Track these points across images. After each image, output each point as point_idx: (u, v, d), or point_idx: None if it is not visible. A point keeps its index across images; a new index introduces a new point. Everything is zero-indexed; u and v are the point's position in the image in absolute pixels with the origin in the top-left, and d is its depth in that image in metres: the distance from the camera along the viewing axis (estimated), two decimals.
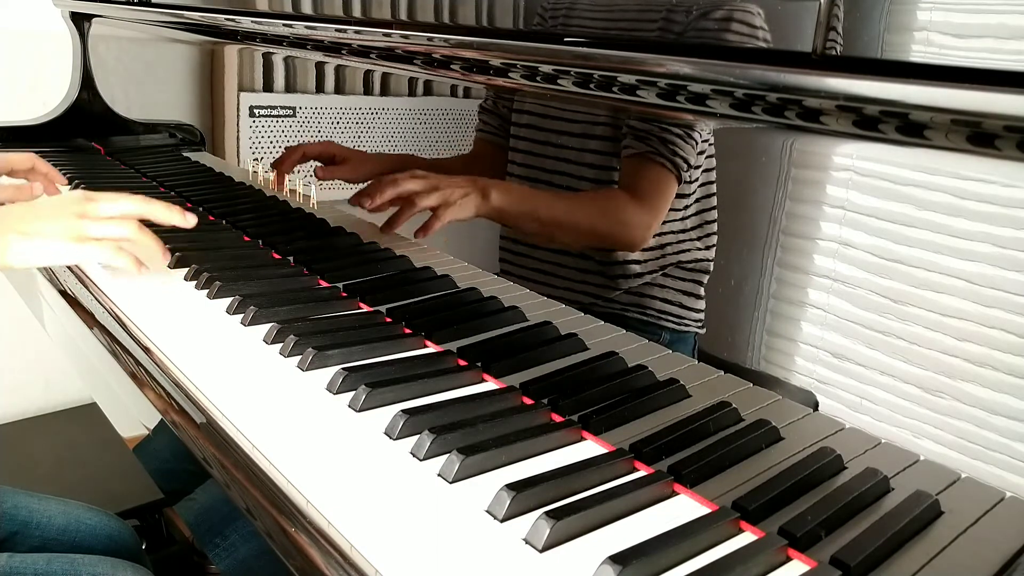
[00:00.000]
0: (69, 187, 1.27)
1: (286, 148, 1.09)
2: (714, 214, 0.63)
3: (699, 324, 0.65)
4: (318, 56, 1.02)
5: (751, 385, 0.62)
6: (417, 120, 0.91)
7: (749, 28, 0.56)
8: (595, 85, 0.66)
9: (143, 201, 0.86)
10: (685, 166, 0.64)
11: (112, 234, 0.83)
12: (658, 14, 0.61)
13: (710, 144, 0.63)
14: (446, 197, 0.83)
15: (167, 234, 0.98)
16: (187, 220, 0.89)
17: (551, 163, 0.75)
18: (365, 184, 0.93)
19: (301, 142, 1.08)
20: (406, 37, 0.82)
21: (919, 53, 0.48)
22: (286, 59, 1.09)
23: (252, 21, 1.08)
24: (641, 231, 0.68)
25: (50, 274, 1.00)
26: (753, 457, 0.58)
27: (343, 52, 0.96)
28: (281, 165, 1.09)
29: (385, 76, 0.94)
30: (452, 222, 0.84)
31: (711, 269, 0.64)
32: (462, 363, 0.73)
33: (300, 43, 1.03)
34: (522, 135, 0.78)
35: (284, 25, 1.00)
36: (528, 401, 0.67)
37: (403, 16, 0.85)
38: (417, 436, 0.59)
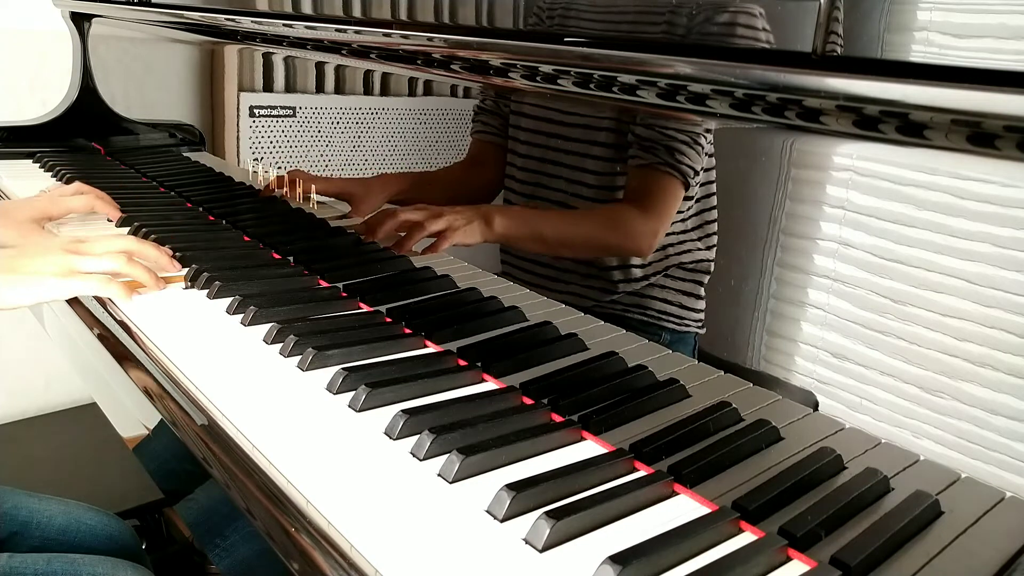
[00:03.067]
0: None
1: (292, 172, 1.09)
2: (714, 214, 0.63)
3: (699, 324, 0.65)
4: (318, 56, 1.02)
5: (751, 385, 0.62)
6: (417, 120, 0.91)
7: (753, 31, 0.56)
8: (595, 85, 0.66)
9: (135, 242, 0.87)
10: (692, 173, 0.64)
11: (102, 268, 0.84)
12: (660, 16, 0.61)
13: (710, 144, 0.63)
14: (451, 223, 0.84)
15: (166, 234, 0.99)
16: (173, 266, 0.90)
17: (551, 167, 0.75)
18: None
19: (301, 142, 1.08)
20: (406, 37, 0.82)
21: (919, 53, 0.48)
22: (286, 59, 1.09)
23: (252, 21, 1.08)
24: (648, 240, 0.68)
25: None
26: (753, 457, 0.58)
27: (343, 52, 0.96)
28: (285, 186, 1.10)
29: (385, 76, 0.94)
30: (458, 245, 0.84)
31: (711, 269, 0.64)
32: (462, 363, 0.73)
33: (300, 43, 1.03)
34: (521, 139, 0.78)
35: (284, 25, 1.00)
36: (528, 401, 0.67)
37: (403, 16, 0.85)
38: (417, 436, 0.59)
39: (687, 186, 0.64)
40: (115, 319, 0.84)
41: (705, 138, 0.63)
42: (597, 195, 0.73)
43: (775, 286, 0.60)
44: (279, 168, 1.12)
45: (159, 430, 0.74)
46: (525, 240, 0.81)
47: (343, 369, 0.68)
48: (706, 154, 0.63)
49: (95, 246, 0.85)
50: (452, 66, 0.80)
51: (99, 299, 0.88)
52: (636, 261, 0.68)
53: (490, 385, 0.70)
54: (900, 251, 0.53)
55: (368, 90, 0.97)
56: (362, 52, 0.93)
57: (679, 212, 0.65)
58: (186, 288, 0.90)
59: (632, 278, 0.68)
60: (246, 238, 1.07)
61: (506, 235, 0.81)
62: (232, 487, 0.59)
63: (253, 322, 0.80)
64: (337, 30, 0.91)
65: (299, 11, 1.00)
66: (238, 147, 1.20)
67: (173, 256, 0.91)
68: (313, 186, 1.04)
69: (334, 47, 0.96)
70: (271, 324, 0.77)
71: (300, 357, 0.72)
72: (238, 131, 1.19)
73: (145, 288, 0.87)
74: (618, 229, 0.72)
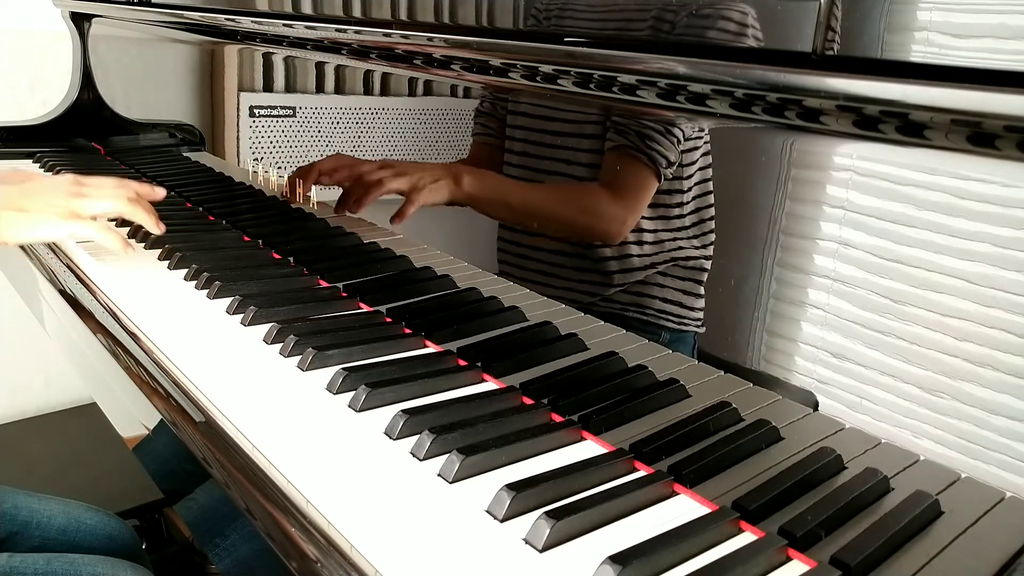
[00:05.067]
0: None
1: (300, 169, 1.09)
2: (711, 212, 0.63)
3: (698, 323, 0.65)
4: (318, 56, 1.02)
5: (751, 385, 0.62)
6: (417, 120, 0.91)
7: (738, 27, 0.56)
8: (595, 85, 0.66)
9: (135, 192, 0.89)
10: (664, 162, 0.64)
11: (103, 210, 0.87)
12: (648, 13, 0.61)
13: (706, 143, 0.63)
14: (415, 182, 0.85)
15: (166, 233, 0.98)
16: (159, 228, 0.92)
17: (547, 163, 0.75)
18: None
19: (301, 142, 1.08)
20: (406, 37, 0.82)
21: (919, 53, 0.48)
22: (286, 59, 1.09)
23: (252, 21, 1.08)
24: (616, 224, 0.68)
25: (50, 274, 1.00)
26: (753, 457, 0.58)
27: (343, 52, 0.96)
28: (301, 183, 1.09)
29: (385, 76, 0.94)
30: (425, 206, 0.86)
31: (709, 267, 0.64)
32: (462, 363, 0.73)
33: (300, 43, 1.03)
34: (517, 136, 0.78)
35: (284, 25, 1.00)
36: (528, 401, 0.67)
37: (403, 16, 0.85)
38: (417, 436, 0.59)
39: (659, 176, 0.64)
40: (115, 319, 0.84)
41: (682, 131, 0.63)
42: (575, 182, 0.73)
43: (775, 286, 0.60)
44: (279, 168, 1.12)
45: (159, 430, 0.74)
46: (492, 204, 0.82)
47: (343, 369, 0.68)
48: (700, 151, 0.63)
49: (98, 189, 0.88)
50: (452, 66, 0.80)
51: (98, 299, 0.88)
52: (632, 253, 0.68)
53: (490, 385, 0.70)
54: (900, 251, 0.53)
55: (368, 90, 0.97)
56: (362, 52, 0.93)
57: (674, 208, 0.65)
58: (187, 280, 0.90)
59: (630, 267, 0.68)
60: (246, 238, 1.07)
61: (475, 196, 0.82)
62: (232, 487, 0.59)
63: (253, 322, 0.80)
64: (337, 30, 0.91)
65: (299, 11, 1.00)
66: (238, 147, 1.20)
67: (159, 221, 0.93)
68: (317, 171, 1.04)
69: (334, 47, 0.96)
70: (271, 324, 0.77)
71: (300, 357, 0.72)
72: (238, 131, 1.19)
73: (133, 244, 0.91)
74: (585, 208, 0.72)
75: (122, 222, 1.03)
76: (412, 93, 0.91)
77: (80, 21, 1.61)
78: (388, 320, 0.82)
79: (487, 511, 0.52)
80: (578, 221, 0.73)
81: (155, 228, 0.91)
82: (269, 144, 1.13)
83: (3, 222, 0.83)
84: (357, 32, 0.89)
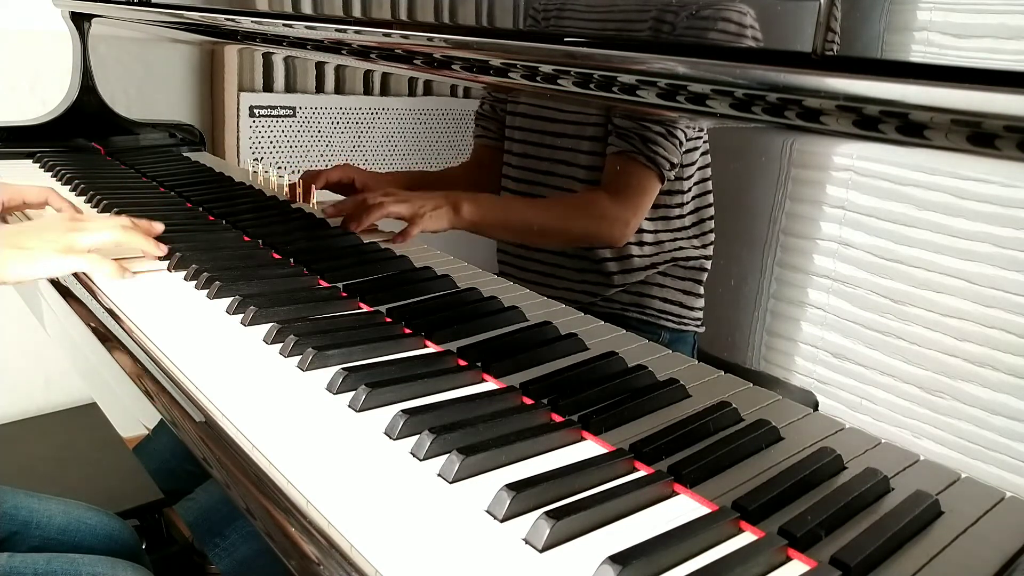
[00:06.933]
0: (74, 193, 1.29)
1: (307, 173, 1.09)
2: (711, 212, 0.63)
3: (698, 323, 0.65)
4: (318, 56, 1.02)
5: (751, 385, 0.62)
6: (417, 120, 0.91)
7: (738, 27, 0.56)
8: (595, 85, 0.66)
9: (130, 223, 0.92)
10: (667, 164, 0.64)
11: (100, 241, 0.88)
12: (648, 14, 0.61)
13: (705, 143, 0.63)
14: (416, 209, 0.86)
15: (167, 234, 0.99)
16: (159, 250, 0.93)
17: (546, 164, 0.75)
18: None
19: (301, 142, 1.08)
20: (406, 37, 0.82)
21: (919, 53, 0.48)
22: (286, 59, 1.09)
23: (252, 21, 1.08)
24: (620, 227, 0.68)
25: None
26: (753, 457, 0.58)
27: (343, 52, 0.96)
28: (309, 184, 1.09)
29: (385, 76, 0.94)
30: (426, 232, 0.87)
31: (709, 267, 0.64)
32: (462, 363, 0.73)
33: (300, 43, 1.03)
34: (516, 137, 0.78)
35: (284, 25, 1.00)
36: (528, 401, 0.67)
37: (403, 16, 0.85)
38: (417, 436, 0.59)
39: (662, 178, 0.65)
40: (115, 319, 0.84)
41: (684, 132, 0.63)
42: (575, 191, 0.73)
43: (775, 286, 0.60)
44: (279, 168, 1.12)
45: (159, 430, 0.74)
46: (496, 227, 0.82)
47: (343, 369, 0.68)
48: (700, 151, 0.63)
49: (94, 222, 0.90)
50: (452, 66, 0.80)
51: (98, 299, 0.88)
52: (632, 254, 0.68)
53: (490, 385, 0.70)
54: (900, 251, 0.53)
55: (368, 90, 0.97)
56: (362, 52, 0.93)
57: (674, 208, 0.65)
58: (187, 280, 0.90)
59: (628, 269, 0.68)
60: (246, 238, 1.07)
61: (476, 222, 0.83)
62: (232, 487, 0.59)
63: (253, 322, 0.80)
64: (337, 30, 0.91)
65: (299, 11, 1.00)
66: (238, 147, 1.20)
67: (159, 244, 0.94)
68: (325, 179, 1.04)
69: (334, 47, 0.96)
70: (271, 324, 0.77)
71: (300, 357, 0.72)
72: (238, 131, 1.19)
73: (140, 262, 0.92)
74: (588, 215, 0.72)
75: None
76: (412, 93, 0.91)
77: (80, 21, 1.61)
78: (388, 320, 0.82)
79: (487, 511, 0.52)
80: (582, 230, 0.73)
81: (154, 251, 0.92)
82: (269, 144, 1.13)
83: (4, 263, 0.84)
84: (357, 32, 0.89)
